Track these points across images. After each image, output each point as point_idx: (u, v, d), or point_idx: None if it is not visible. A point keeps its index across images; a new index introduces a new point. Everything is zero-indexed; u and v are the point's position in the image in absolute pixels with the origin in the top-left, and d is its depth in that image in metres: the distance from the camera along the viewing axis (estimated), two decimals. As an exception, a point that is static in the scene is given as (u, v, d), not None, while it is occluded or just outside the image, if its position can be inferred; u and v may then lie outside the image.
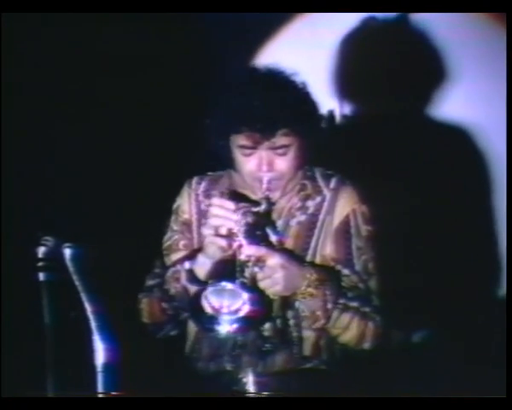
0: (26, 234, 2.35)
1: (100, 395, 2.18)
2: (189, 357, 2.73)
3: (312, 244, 2.66)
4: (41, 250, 2.24)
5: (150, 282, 2.72)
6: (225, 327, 2.41)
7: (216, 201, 2.54)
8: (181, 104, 3.43)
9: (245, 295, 2.38)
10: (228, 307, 2.39)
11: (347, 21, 3.56)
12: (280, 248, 2.56)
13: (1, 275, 2.51)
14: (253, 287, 2.42)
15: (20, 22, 3.13)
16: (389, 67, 3.56)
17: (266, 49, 3.68)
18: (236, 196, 2.61)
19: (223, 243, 2.47)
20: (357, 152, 3.44)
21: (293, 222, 2.68)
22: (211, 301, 2.40)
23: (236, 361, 2.65)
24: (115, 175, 3.34)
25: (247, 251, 2.43)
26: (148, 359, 2.65)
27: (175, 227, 2.77)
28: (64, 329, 2.25)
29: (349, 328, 2.56)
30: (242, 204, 2.52)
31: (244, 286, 2.39)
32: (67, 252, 2.23)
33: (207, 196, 2.75)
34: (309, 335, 2.64)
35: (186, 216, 2.76)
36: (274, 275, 2.44)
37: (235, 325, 2.41)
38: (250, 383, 2.62)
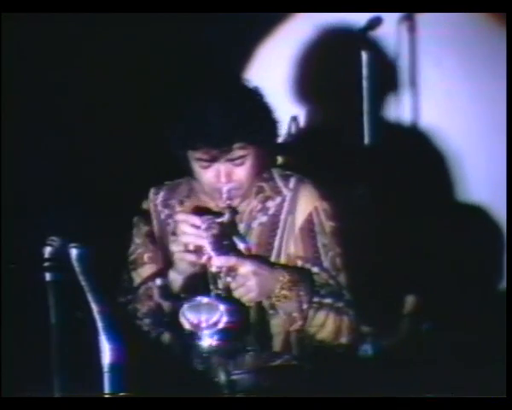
0: (32, 234, 2.35)
1: (106, 396, 2.17)
2: (168, 356, 2.72)
3: (276, 244, 2.67)
4: (47, 250, 2.24)
5: (121, 299, 2.70)
6: (206, 341, 2.42)
7: (181, 217, 2.55)
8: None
9: (222, 307, 2.39)
10: (206, 322, 2.40)
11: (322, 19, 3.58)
12: (250, 255, 2.58)
13: (7, 275, 2.50)
14: (228, 297, 2.44)
15: (20, 22, 3.12)
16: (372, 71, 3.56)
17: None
18: (199, 209, 2.62)
19: (192, 258, 2.49)
20: (315, 151, 3.41)
21: (255, 224, 2.69)
22: (188, 317, 2.41)
23: (207, 361, 2.62)
24: (121, 174, 3.34)
25: (218, 262, 2.45)
26: (154, 359, 2.64)
27: (137, 240, 2.77)
28: (70, 329, 2.25)
29: (325, 325, 2.57)
30: (206, 217, 2.53)
31: (219, 298, 2.42)
32: (73, 252, 2.22)
33: (166, 205, 2.76)
34: (279, 331, 2.65)
35: (147, 228, 2.77)
36: (247, 283, 2.46)
37: (216, 338, 2.42)
38: (223, 383, 2.59)
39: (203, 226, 2.49)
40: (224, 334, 2.41)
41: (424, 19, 3.51)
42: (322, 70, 3.62)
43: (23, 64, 3.29)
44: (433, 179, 3.59)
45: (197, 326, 2.40)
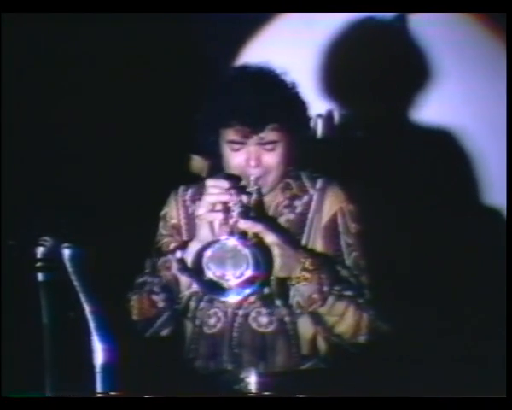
0: (25, 234, 2.35)
1: (98, 395, 2.18)
2: (187, 356, 2.72)
3: (303, 242, 2.67)
4: (40, 250, 2.25)
5: (140, 279, 2.70)
6: (233, 298, 2.44)
7: (210, 181, 2.55)
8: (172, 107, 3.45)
9: (246, 251, 2.37)
10: (233, 275, 2.40)
11: (338, 21, 3.56)
12: (276, 228, 2.56)
13: (0, 275, 2.51)
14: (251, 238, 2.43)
15: (20, 22, 3.13)
16: (380, 68, 3.56)
17: (255, 48, 3.68)
18: (230, 177, 2.60)
19: (218, 216, 2.48)
20: (343, 153, 3.45)
21: (282, 220, 2.70)
22: (213, 270, 2.40)
23: (237, 361, 2.65)
24: (114, 175, 3.35)
25: (244, 225, 2.45)
26: (146, 359, 2.64)
27: (164, 232, 2.78)
28: (63, 329, 2.25)
29: (345, 317, 2.56)
30: (235, 182, 2.54)
31: (243, 238, 2.40)
32: (66, 252, 2.23)
33: (194, 201, 2.76)
34: (306, 333, 2.65)
35: (174, 221, 2.78)
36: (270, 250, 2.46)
37: (243, 294, 2.43)
38: (252, 383, 2.61)
39: (232, 191, 2.50)
40: (250, 286, 2.41)
41: (424, 19, 3.50)
42: (344, 66, 3.62)
43: (23, 64, 3.29)
44: (444, 182, 3.58)
45: (222, 277, 2.41)
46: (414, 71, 3.57)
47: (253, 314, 2.65)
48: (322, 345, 2.66)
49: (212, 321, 2.68)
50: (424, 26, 3.50)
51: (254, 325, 2.64)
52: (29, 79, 3.30)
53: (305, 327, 2.65)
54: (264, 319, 2.64)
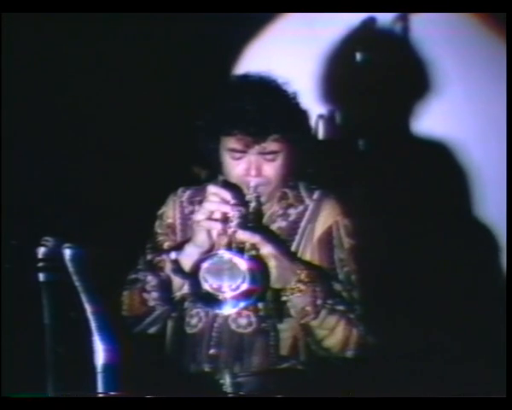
0: (26, 234, 2.35)
1: (100, 396, 2.18)
2: (170, 357, 2.73)
3: (292, 250, 2.67)
4: (41, 251, 2.25)
5: (132, 276, 2.71)
6: (228, 310, 2.45)
7: (212, 188, 2.55)
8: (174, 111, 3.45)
9: (243, 266, 2.39)
10: (229, 287, 2.41)
11: (337, 25, 3.55)
12: (273, 239, 2.57)
13: (0, 275, 2.51)
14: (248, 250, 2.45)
15: (20, 22, 3.13)
16: (380, 74, 3.56)
17: (256, 51, 3.66)
18: (231, 187, 2.61)
19: (216, 226, 2.49)
20: (341, 165, 3.45)
21: (274, 227, 2.70)
22: (210, 282, 2.41)
23: (213, 362, 2.65)
24: (115, 175, 3.35)
25: (242, 236, 2.46)
26: (147, 359, 2.64)
27: (159, 230, 2.79)
28: (64, 329, 2.25)
29: (335, 331, 2.57)
30: (236, 194, 2.55)
31: (241, 252, 2.41)
32: (67, 252, 2.24)
33: (191, 202, 2.78)
34: (287, 335, 2.65)
35: (170, 220, 2.79)
36: (267, 264, 2.47)
37: (238, 307, 2.44)
38: (228, 385, 2.62)
39: (232, 201, 2.50)
40: (246, 299, 2.42)
41: (423, 19, 3.49)
42: (345, 71, 3.62)
43: (23, 64, 3.29)
44: (442, 192, 3.57)
45: (218, 290, 2.42)
46: (414, 75, 3.58)
47: (233, 315, 2.64)
48: (302, 348, 2.66)
49: (194, 321, 2.68)
50: (424, 26, 3.49)
51: (233, 326, 2.64)
52: (29, 79, 3.30)
53: (287, 330, 2.64)
54: (243, 320, 2.64)
